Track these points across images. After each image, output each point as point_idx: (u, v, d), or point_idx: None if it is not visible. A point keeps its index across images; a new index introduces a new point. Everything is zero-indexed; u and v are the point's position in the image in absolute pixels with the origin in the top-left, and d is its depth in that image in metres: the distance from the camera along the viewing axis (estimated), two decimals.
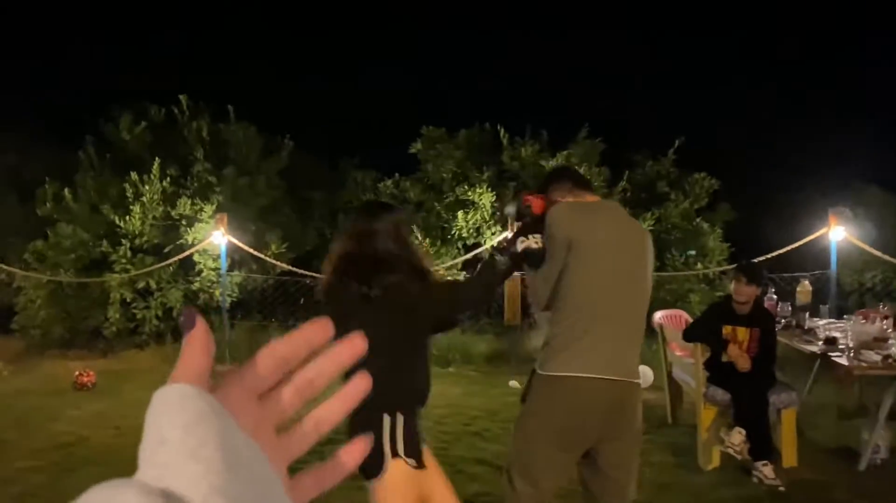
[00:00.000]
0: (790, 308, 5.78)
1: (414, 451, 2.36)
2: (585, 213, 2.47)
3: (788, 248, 7.82)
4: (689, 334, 4.80)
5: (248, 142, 9.69)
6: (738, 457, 4.21)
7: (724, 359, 4.59)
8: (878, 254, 7.94)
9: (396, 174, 9.67)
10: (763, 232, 9.24)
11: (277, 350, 0.39)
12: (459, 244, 8.88)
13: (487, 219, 8.58)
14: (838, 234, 7.79)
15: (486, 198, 8.51)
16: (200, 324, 0.38)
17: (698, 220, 8.60)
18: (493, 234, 8.50)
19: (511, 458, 2.55)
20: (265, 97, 14.57)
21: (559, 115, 10.90)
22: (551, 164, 8.39)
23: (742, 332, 4.62)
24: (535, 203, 2.59)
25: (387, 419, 2.33)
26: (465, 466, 4.56)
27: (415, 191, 9.24)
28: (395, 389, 2.31)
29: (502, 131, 8.96)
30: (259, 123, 9.92)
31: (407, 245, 2.50)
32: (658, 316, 6.27)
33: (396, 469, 2.32)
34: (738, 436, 4.20)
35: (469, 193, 8.68)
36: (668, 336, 5.68)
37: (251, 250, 8.64)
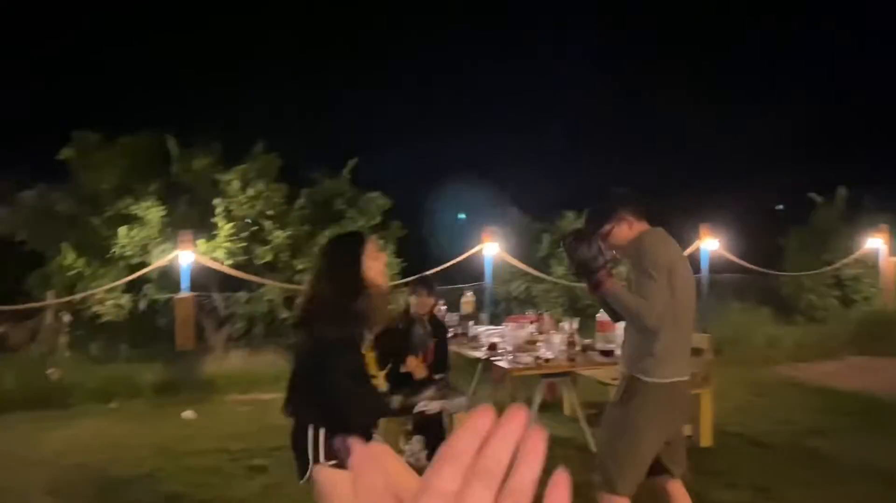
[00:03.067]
0: (457, 317, 6.31)
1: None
2: (669, 241, 2.98)
3: (454, 261, 8.59)
4: None
5: None
6: (418, 464, 4.43)
7: (403, 369, 4.80)
8: (522, 266, 9.15)
9: (41, 183, 8.35)
10: (428, 248, 10.02)
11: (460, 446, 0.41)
12: (122, 264, 7.98)
13: (155, 235, 7.85)
14: (492, 249, 8.79)
15: (153, 212, 7.79)
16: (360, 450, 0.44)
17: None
18: (161, 251, 7.81)
19: (620, 465, 2.86)
20: None
21: (233, 129, 10.52)
22: (227, 177, 8.03)
23: None
24: (608, 231, 2.99)
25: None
26: None
27: (66, 203, 8.07)
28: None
29: (171, 141, 8.32)
30: None
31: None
32: None
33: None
34: (417, 445, 4.42)
35: (133, 207, 7.86)
36: None
37: None
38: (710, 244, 9.17)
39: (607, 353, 5.05)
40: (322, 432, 2.67)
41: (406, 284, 5.24)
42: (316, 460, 2.68)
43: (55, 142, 8.43)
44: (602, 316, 5.11)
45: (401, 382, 4.79)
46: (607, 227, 3.01)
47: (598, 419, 6.07)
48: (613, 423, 2.97)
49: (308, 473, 2.71)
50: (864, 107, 16.84)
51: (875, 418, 6.10)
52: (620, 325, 5.37)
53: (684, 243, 9.45)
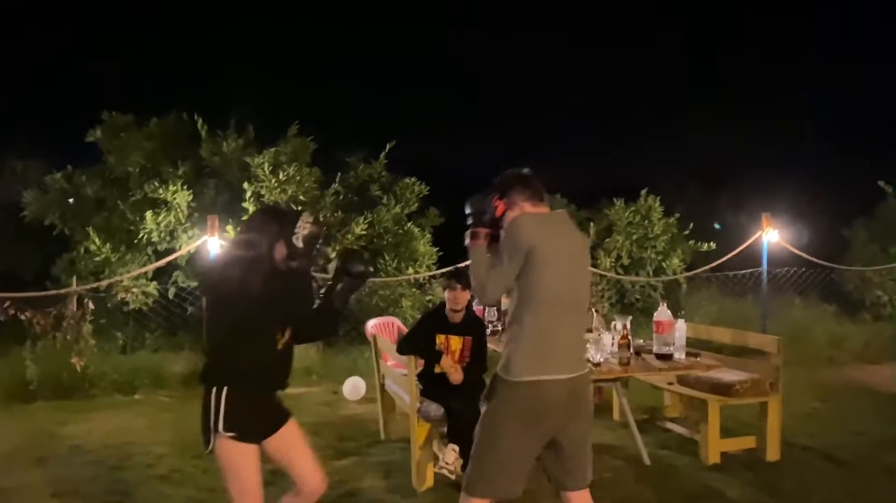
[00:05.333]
0: (496, 312, 5.83)
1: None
2: (545, 224, 2.70)
3: None
4: (404, 348, 4.53)
5: None
6: (452, 476, 4.00)
7: (437, 370, 4.41)
8: None
9: (69, 166, 8.13)
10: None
11: None
12: (149, 250, 7.72)
13: (182, 220, 7.55)
14: None
15: (181, 196, 7.48)
16: None
17: (409, 224, 8.55)
18: (189, 237, 7.51)
19: (476, 466, 2.69)
20: None
21: (268, 109, 10.17)
22: (258, 160, 7.69)
23: (455, 341, 4.49)
24: (500, 206, 2.75)
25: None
26: None
27: (93, 186, 7.84)
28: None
29: (200, 122, 8.00)
30: None
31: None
32: (370, 325, 5.96)
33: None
34: (451, 455, 3.99)
35: (161, 191, 7.58)
36: (381, 346, 5.36)
37: None
38: (772, 235, 8.49)
39: (665, 357, 4.53)
40: (224, 393, 2.52)
41: (446, 275, 4.80)
42: (216, 429, 2.51)
43: (86, 124, 8.21)
44: (660, 314, 4.58)
45: (435, 383, 4.40)
46: (498, 210, 2.76)
47: (651, 426, 5.63)
48: (479, 423, 2.76)
49: (211, 444, 2.55)
50: None
51: None
52: (680, 326, 4.87)
53: (743, 235, 8.79)
